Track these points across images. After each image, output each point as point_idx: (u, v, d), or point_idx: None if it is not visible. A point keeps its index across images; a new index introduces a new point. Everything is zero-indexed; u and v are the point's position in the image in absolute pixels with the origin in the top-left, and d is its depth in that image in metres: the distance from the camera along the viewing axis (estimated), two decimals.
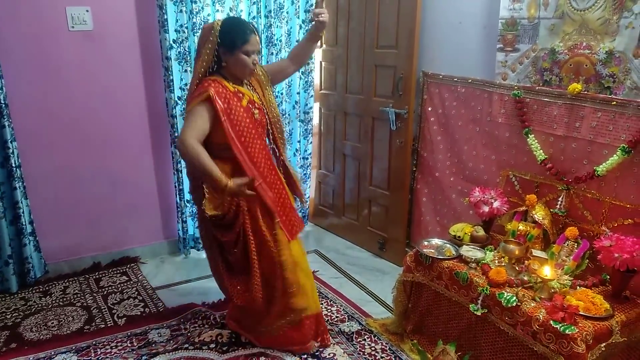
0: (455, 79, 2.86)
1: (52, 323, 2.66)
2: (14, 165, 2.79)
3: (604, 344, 1.81)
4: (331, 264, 3.41)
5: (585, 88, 2.24)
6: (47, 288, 3.00)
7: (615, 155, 2.10)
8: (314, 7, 2.86)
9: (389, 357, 2.42)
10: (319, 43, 2.81)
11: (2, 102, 2.69)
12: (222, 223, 2.18)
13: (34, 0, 2.75)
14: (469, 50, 2.83)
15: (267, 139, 2.34)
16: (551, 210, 2.36)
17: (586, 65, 2.25)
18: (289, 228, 2.29)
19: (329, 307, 2.83)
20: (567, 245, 2.21)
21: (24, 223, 2.89)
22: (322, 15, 2.33)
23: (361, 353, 2.44)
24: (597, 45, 2.19)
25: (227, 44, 2.09)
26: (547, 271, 2.00)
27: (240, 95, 2.18)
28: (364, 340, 2.54)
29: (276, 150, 2.38)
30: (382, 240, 3.47)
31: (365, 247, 3.62)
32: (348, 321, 2.69)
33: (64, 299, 2.89)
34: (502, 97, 2.59)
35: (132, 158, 3.21)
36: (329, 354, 2.41)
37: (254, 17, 3.20)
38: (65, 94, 2.95)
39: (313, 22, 2.37)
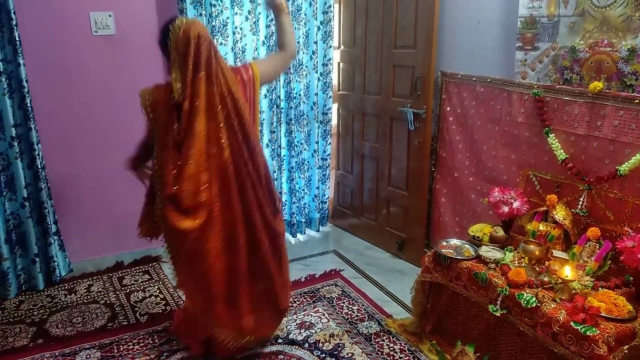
0: (474, 79, 2.84)
1: (77, 320, 2.73)
2: (39, 166, 2.86)
3: (626, 346, 1.78)
4: (350, 264, 3.41)
5: (606, 86, 2.21)
6: (72, 286, 3.07)
7: (638, 154, 2.06)
8: None
9: (407, 358, 2.41)
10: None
11: (28, 105, 2.76)
12: None
13: (58, 5, 2.83)
14: (488, 49, 2.81)
15: None
16: (572, 210, 2.33)
17: (607, 63, 2.21)
18: None
19: (351, 306, 2.84)
20: (589, 246, 2.18)
21: (49, 223, 2.97)
22: None
23: (380, 353, 2.44)
24: (619, 43, 2.15)
25: None
26: (567, 272, 1.98)
27: None
28: (383, 340, 2.54)
29: None
30: (400, 241, 3.46)
31: (384, 247, 3.62)
32: (367, 321, 2.70)
33: (88, 297, 2.96)
34: (521, 96, 2.57)
35: None
36: (347, 354, 2.42)
37: (272, 20, 3.23)
38: (88, 97, 3.02)
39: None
